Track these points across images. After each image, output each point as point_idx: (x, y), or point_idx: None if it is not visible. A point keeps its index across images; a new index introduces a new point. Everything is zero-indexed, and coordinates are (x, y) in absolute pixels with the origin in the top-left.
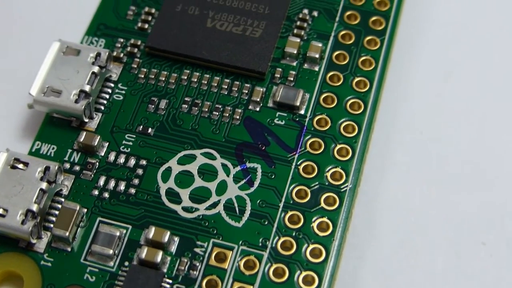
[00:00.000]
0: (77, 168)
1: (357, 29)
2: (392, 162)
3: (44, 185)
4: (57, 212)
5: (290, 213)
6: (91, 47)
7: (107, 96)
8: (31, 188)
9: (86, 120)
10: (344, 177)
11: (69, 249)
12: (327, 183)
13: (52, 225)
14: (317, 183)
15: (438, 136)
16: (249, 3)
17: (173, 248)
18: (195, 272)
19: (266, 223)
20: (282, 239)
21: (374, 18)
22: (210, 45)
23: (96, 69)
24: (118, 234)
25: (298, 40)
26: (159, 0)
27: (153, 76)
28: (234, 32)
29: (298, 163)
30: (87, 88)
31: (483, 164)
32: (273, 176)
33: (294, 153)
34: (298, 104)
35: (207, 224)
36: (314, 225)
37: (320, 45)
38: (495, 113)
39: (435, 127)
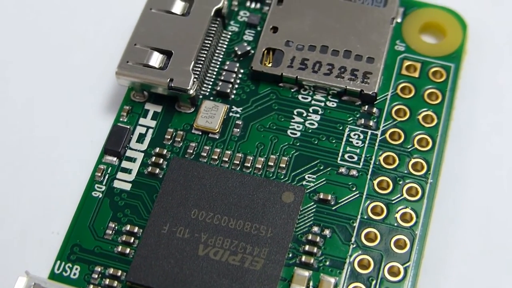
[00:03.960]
0: None
1: (376, 252)
2: None
3: None
4: None
5: None
6: (62, 287)
7: None
8: None
9: None
10: None
11: None
12: None
13: None
14: None
15: None
16: (249, 223)
17: None
18: None
19: None
20: None
21: (397, 236)
22: (202, 280)
23: None
24: None
25: (307, 274)
26: (142, 207)
27: None
28: (231, 263)
29: None
30: None
31: None
32: None
33: None
34: None
35: None
36: None
37: (333, 281)
38: None
39: None
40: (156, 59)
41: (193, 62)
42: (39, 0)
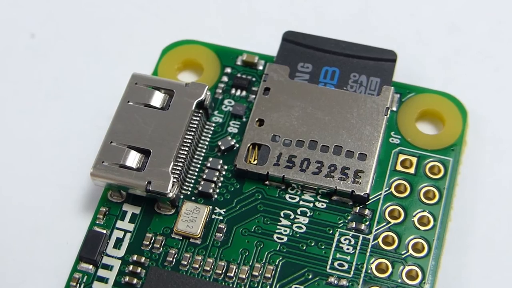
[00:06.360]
0: None
1: None
2: None
3: None
4: None
5: None
6: None
7: None
8: None
9: None
10: None
11: None
12: None
13: None
14: None
15: None
16: None
17: None
18: None
19: None
20: None
21: None
22: None
23: None
24: None
25: None
26: None
27: None
28: None
29: None
30: None
31: None
32: None
33: None
34: None
35: None
36: None
37: None
38: None
39: None
40: (133, 159)
41: (172, 163)
42: (12, 98)
